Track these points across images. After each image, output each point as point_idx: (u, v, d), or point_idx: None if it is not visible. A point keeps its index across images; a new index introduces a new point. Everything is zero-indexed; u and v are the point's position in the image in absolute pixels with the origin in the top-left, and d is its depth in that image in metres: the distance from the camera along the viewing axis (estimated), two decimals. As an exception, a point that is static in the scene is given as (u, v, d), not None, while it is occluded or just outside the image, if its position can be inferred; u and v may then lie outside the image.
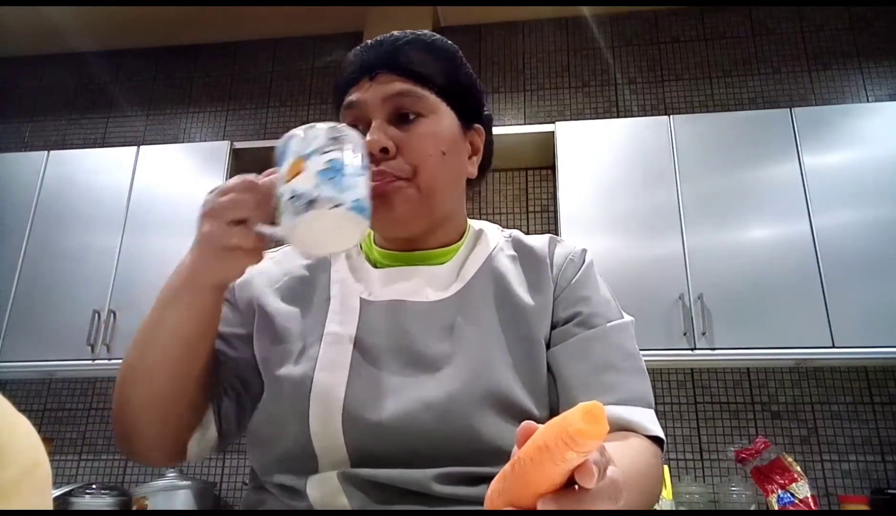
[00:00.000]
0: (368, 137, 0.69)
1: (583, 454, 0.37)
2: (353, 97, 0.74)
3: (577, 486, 0.39)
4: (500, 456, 0.66)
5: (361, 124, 0.73)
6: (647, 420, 0.68)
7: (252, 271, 0.81)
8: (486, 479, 0.65)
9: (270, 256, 0.83)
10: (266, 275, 0.80)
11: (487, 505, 0.45)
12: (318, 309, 0.75)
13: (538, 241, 0.81)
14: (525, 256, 0.79)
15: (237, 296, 0.79)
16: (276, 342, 0.74)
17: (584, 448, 0.37)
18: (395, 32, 0.75)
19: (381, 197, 0.69)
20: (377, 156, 0.69)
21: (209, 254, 0.60)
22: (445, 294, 0.74)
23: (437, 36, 0.77)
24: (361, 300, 0.74)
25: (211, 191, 0.62)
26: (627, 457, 0.60)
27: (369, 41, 0.76)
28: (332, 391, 0.67)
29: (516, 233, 0.84)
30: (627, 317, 0.77)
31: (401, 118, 0.72)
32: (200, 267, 0.62)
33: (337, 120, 0.76)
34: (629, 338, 0.75)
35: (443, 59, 0.76)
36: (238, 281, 0.79)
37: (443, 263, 0.77)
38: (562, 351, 0.72)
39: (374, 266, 0.78)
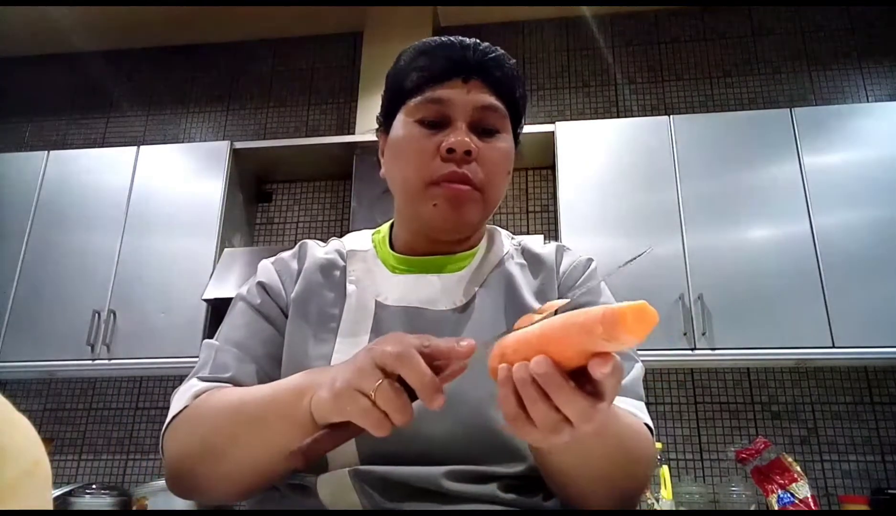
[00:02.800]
0: (456, 138, 0.71)
1: (615, 344, 0.40)
2: (443, 94, 0.73)
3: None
4: (509, 453, 0.67)
5: (440, 120, 0.73)
6: (637, 408, 0.70)
7: (276, 269, 0.82)
8: (496, 477, 0.66)
9: (292, 253, 0.84)
10: (288, 273, 0.81)
11: (494, 361, 0.49)
12: (333, 307, 0.76)
13: (546, 250, 0.83)
14: (533, 265, 0.81)
15: (274, 306, 0.79)
16: (293, 339, 0.75)
17: (622, 342, 0.40)
18: (478, 40, 0.76)
19: (456, 200, 0.72)
20: (458, 156, 0.71)
21: (354, 406, 0.51)
22: (459, 303, 0.75)
23: (513, 59, 0.79)
24: (377, 303, 0.75)
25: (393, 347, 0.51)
26: (616, 410, 0.62)
27: (451, 38, 0.76)
28: None
29: (525, 240, 0.86)
30: None
31: (482, 130, 0.74)
32: (328, 413, 0.54)
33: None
34: None
35: (516, 84, 0.78)
36: (269, 282, 0.80)
37: (459, 269, 0.78)
38: None
39: (391, 271, 0.79)
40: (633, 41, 3.00)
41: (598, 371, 0.41)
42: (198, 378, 0.72)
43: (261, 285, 0.80)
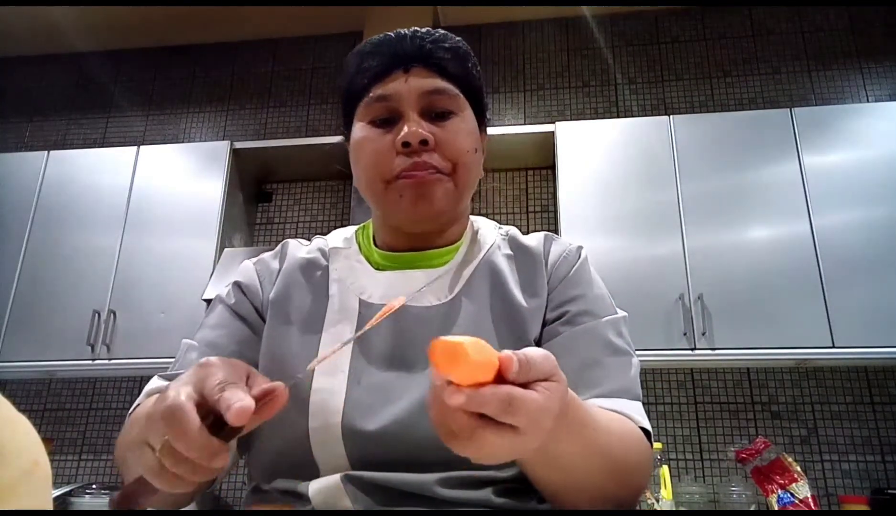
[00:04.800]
0: (408, 129, 0.69)
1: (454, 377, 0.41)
2: (386, 90, 0.72)
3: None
4: None
5: (390, 116, 0.72)
6: (633, 411, 0.67)
7: (256, 269, 0.82)
8: (489, 482, 0.65)
9: (273, 253, 0.84)
10: (267, 273, 0.81)
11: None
12: (316, 306, 0.75)
13: (534, 240, 0.81)
14: (521, 256, 0.79)
15: (249, 306, 0.78)
16: (274, 340, 0.74)
17: (448, 378, 0.40)
18: (416, 28, 0.75)
19: (421, 187, 0.70)
20: (416, 148, 0.70)
21: (144, 463, 0.45)
22: (444, 298, 0.74)
23: (457, 37, 0.77)
24: (360, 301, 0.74)
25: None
26: (605, 422, 0.60)
27: (390, 33, 0.75)
28: (331, 399, 0.67)
29: (513, 230, 0.84)
30: (620, 313, 0.76)
31: (435, 115, 0.72)
32: (133, 464, 0.48)
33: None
34: (617, 334, 0.73)
35: (465, 60, 0.76)
36: (246, 282, 0.80)
37: (443, 263, 0.77)
38: (548, 349, 0.72)
39: (375, 268, 0.77)
40: (633, 41, 3.00)
41: (447, 398, 0.40)
42: (158, 376, 0.73)
43: (237, 285, 0.80)
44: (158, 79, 3.27)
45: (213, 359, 0.49)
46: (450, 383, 0.41)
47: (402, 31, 0.74)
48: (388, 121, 0.72)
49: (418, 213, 0.71)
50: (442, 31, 0.75)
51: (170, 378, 0.72)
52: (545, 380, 0.44)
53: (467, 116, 0.75)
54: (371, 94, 0.73)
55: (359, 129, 0.74)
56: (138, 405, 0.70)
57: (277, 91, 3.16)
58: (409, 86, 0.71)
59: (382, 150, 0.71)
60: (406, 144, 0.69)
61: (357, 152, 0.74)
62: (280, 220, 2.95)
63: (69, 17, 3.07)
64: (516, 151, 2.70)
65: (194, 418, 0.43)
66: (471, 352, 0.40)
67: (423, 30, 0.75)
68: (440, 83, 0.73)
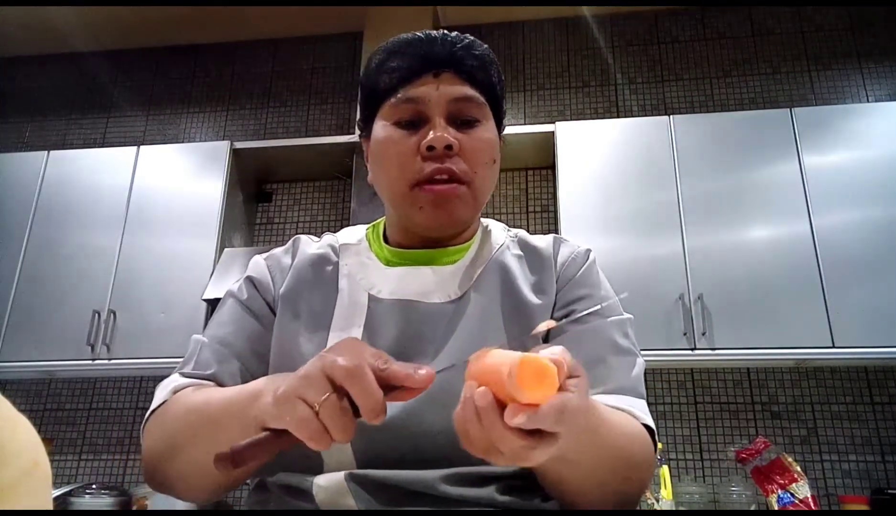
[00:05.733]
0: (435, 134, 0.70)
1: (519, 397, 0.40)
2: (416, 92, 0.72)
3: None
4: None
5: (417, 118, 0.72)
6: (637, 408, 0.68)
7: (267, 264, 0.82)
8: (494, 479, 0.65)
9: (285, 249, 0.84)
10: (279, 268, 0.81)
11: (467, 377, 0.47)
12: (325, 302, 0.76)
13: (543, 241, 0.82)
14: (530, 256, 0.80)
15: (261, 301, 0.78)
16: (283, 335, 0.74)
17: (519, 398, 0.40)
18: (446, 32, 0.75)
19: (441, 199, 0.71)
20: (440, 153, 0.70)
21: (294, 415, 0.48)
22: (454, 295, 0.74)
23: (484, 44, 0.77)
24: (370, 296, 0.75)
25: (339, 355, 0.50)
26: (611, 417, 0.61)
27: (419, 34, 0.75)
28: None
29: (522, 232, 0.85)
30: (626, 315, 0.77)
31: (461, 122, 0.73)
32: (269, 418, 0.51)
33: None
34: (622, 335, 0.74)
35: (492, 68, 0.77)
36: (258, 277, 0.80)
37: (453, 261, 0.77)
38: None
39: (385, 264, 0.78)
40: (633, 41, 3.00)
41: (509, 419, 0.40)
42: (180, 373, 0.73)
43: (249, 280, 0.80)
44: (158, 79, 3.27)
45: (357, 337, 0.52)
46: (513, 401, 0.40)
47: (431, 33, 0.74)
48: (414, 123, 0.73)
49: (438, 224, 0.73)
50: (470, 37, 0.76)
51: (187, 376, 0.72)
52: (571, 376, 0.45)
53: (490, 125, 0.76)
54: (399, 95, 0.73)
55: (382, 129, 0.74)
56: (164, 401, 0.70)
57: (277, 91, 3.16)
58: (439, 92, 0.72)
59: (406, 153, 0.72)
60: (431, 148, 0.70)
61: (380, 152, 0.75)
62: (280, 220, 2.95)
63: (69, 17, 3.07)
64: (516, 151, 2.70)
65: (373, 377, 0.48)
66: (557, 375, 0.40)
67: (453, 34, 0.75)
68: (469, 91, 0.73)
